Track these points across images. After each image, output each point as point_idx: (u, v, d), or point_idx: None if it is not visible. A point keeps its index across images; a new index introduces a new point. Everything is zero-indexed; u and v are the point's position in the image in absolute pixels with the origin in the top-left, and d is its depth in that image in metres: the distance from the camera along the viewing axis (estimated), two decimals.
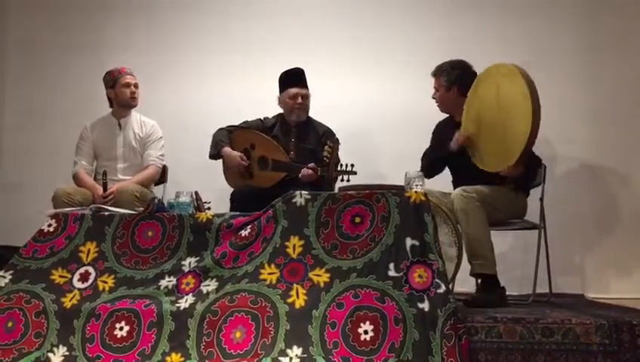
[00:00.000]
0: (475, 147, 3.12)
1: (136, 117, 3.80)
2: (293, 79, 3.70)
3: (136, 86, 3.72)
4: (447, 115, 3.43)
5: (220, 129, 3.76)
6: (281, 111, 3.79)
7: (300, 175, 3.44)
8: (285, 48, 4.31)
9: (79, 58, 4.57)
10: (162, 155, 3.78)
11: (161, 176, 3.92)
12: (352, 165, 3.20)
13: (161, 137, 3.79)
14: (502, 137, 2.97)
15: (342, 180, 3.24)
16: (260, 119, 3.83)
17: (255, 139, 3.67)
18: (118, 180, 3.60)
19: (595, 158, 3.96)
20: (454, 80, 3.25)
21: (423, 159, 3.40)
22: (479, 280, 3.03)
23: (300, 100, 3.66)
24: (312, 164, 3.40)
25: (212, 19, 4.57)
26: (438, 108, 3.37)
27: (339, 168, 3.24)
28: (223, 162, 3.73)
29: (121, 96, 3.71)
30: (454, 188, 3.21)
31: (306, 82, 3.72)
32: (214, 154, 3.70)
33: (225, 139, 3.70)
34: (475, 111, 3.13)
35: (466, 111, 3.18)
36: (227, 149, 3.65)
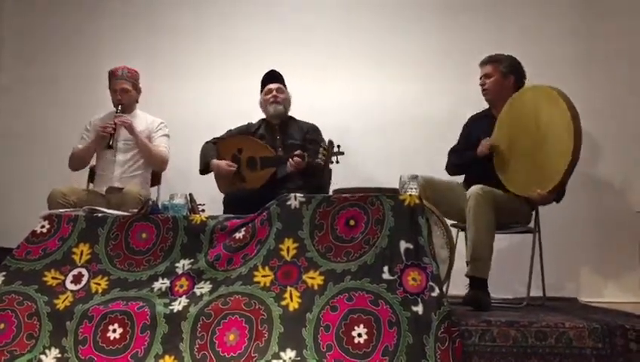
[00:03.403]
0: (504, 164, 3.11)
1: (141, 115, 3.83)
2: (266, 79, 3.83)
3: (123, 91, 3.74)
4: (482, 110, 3.43)
5: (206, 143, 3.81)
6: (264, 116, 3.85)
7: (287, 165, 3.48)
8: (284, 50, 4.33)
9: (75, 57, 4.57)
10: (168, 149, 3.82)
11: (156, 178, 3.93)
12: (339, 146, 3.24)
13: (167, 135, 3.85)
14: (537, 162, 2.96)
15: (332, 162, 3.27)
16: (245, 124, 3.88)
17: (241, 143, 3.71)
18: (114, 175, 3.62)
19: (590, 162, 3.98)
20: (513, 70, 3.25)
21: (450, 155, 3.42)
22: (470, 282, 3.02)
23: (273, 93, 3.74)
24: (297, 152, 3.46)
25: (211, 21, 4.58)
26: (483, 95, 3.33)
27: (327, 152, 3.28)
28: (214, 173, 3.75)
29: (111, 98, 3.78)
30: (465, 182, 3.22)
31: (279, 80, 3.81)
32: (203, 170, 3.75)
33: (212, 151, 3.74)
34: (509, 129, 3.11)
35: (498, 125, 3.17)
36: (214, 161, 3.69)
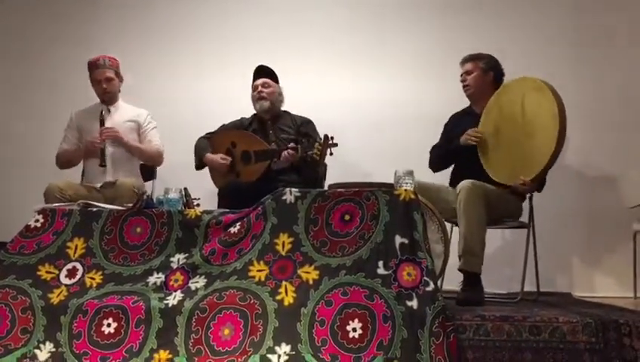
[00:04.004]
0: (488, 154, 3.16)
1: (124, 106, 3.80)
2: (255, 74, 3.81)
3: (107, 80, 3.69)
4: (463, 108, 3.49)
5: (200, 138, 3.80)
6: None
7: (281, 158, 3.48)
8: (282, 47, 4.32)
9: (71, 54, 4.54)
10: (160, 141, 3.81)
11: (150, 172, 3.92)
12: (332, 138, 3.24)
13: (156, 126, 3.82)
14: (522, 152, 3.02)
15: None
16: (238, 120, 3.87)
17: (234, 136, 3.70)
18: (106, 168, 3.61)
19: (584, 158, 4.00)
20: (493, 67, 3.35)
21: (431, 152, 3.45)
22: (463, 277, 3.03)
23: (258, 89, 3.73)
24: (291, 144, 3.46)
25: (208, 17, 4.56)
26: (464, 91, 3.39)
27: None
28: (209, 168, 3.75)
29: (95, 90, 3.73)
30: (451, 182, 3.23)
31: (267, 74, 3.78)
32: (198, 164, 3.75)
33: (205, 146, 3.73)
34: (495, 119, 3.17)
35: (485, 116, 3.22)
36: (208, 155, 3.68)
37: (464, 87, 3.38)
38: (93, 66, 3.69)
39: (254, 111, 3.82)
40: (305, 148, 3.36)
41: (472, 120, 3.31)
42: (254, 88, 3.77)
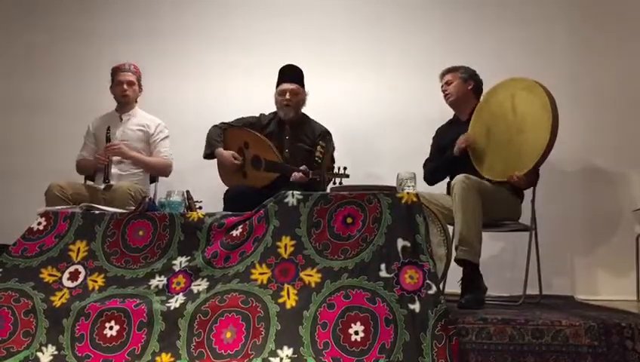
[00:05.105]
0: (480, 156, 3.19)
1: (141, 113, 3.83)
2: (283, 75, 3.68)
3: (129, 83, 3.74)
4: (447, 120, 3.53)
5: (214, 126, 3.72)
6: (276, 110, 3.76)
7: (291, 178, 3.40)
8: (284, 48, 4.31)
9: (75, 49, 4.56)
10: (170, 153, 3.82)
11: (152, 175, 3.92)
12: (345, 168, 3.14)
13: (167, 136, 3.84)
14: (515, 147, 3.07)
15: (334, 183, 3.22)
16: (256, 116, 3.78)
17: (249, 138, 3.63)
18: (111, 173, 3.61)
19: (586, 160, 4.00)
20: (471, 76, 3.42)
21: (425, 167, 3.46)
22: (462, 271, 3.01)
23: (287, 96, 3.60)
24: (303, 167, 3.37)
25: (212, 18, 4.57)
26: (446, 100, 3.44)
27: (332, 171, 3.22)
28: (218, 161, 3.72)
29: (115, 93, 3.77)
30: (448, 193, 3.24)
31: (297, 78, 3.66)
32: (208, 155, 3.69)
33: (218, 138, 3.67)
34: (485, 121, 3.23)
35: (475, 119, 3.27)
36: (220, 150, 3.63)
37: (445, 95, 3.44)
38: (118, 70, 3.76)
39: (272, 109, 3.73)
40: (314, 174, 3.23)
41: (458, 128, 3.35)
42: (281, 93, 3.61)
